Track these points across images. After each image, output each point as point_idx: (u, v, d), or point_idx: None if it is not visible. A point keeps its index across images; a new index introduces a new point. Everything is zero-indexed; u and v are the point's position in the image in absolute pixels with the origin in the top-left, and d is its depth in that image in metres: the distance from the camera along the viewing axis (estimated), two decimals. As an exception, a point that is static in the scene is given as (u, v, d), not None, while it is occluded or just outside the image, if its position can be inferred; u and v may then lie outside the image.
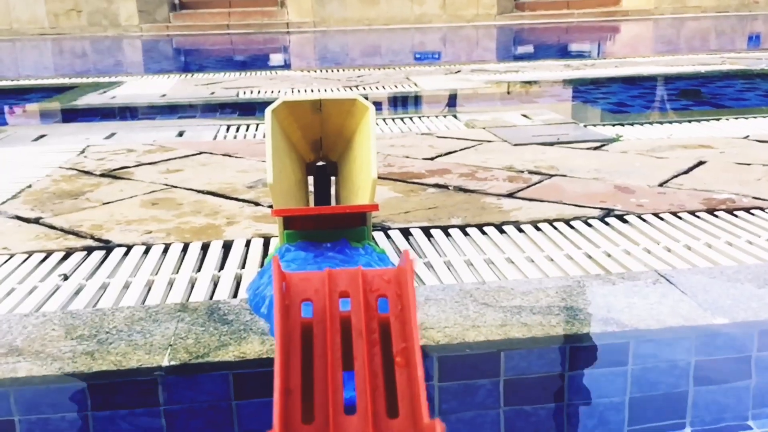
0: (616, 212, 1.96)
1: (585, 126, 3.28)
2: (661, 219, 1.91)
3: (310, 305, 0.70)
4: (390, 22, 13.62)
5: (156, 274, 1.62)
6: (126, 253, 1.75)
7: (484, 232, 1.84)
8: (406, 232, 1.85)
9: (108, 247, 1.79)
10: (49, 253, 1.75)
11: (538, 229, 1.85)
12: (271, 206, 2.06)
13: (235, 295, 1.50)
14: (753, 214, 1.93)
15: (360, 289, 0.69)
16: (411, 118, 3.68)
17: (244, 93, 4.89)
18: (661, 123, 3.37)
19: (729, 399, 1.26)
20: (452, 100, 4.75)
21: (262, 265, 1.65)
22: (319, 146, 1.88)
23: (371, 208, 1.53)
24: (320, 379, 0.61)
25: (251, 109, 4.48)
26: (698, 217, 1.92)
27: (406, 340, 0.64)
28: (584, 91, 5.11)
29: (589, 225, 1.88)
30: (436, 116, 3.74)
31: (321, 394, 0.61)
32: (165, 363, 1.15)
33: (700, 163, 2.47)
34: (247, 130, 3.47)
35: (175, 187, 2.34)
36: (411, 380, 0.61)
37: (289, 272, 0.68)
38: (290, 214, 1.56)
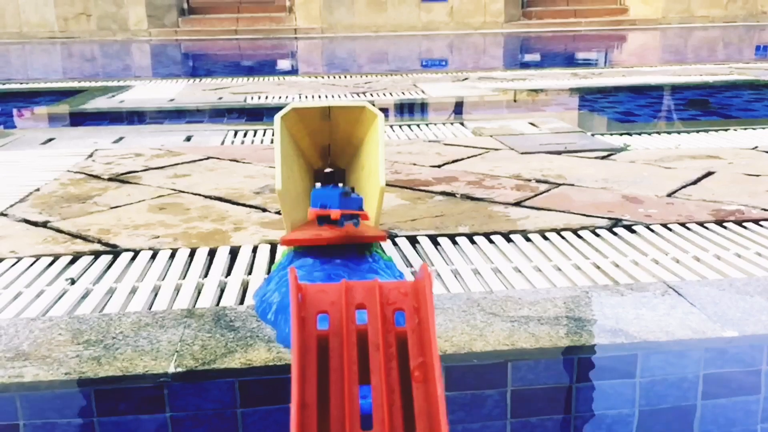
0: (625, 222, 1.95)
1: (593, 135, 3.27)
2: (670, 230, 1.90)
3: (327, 317, 0.69)
4: (397, 29, 13.65)
5: (163, 279, 1.62)
6: (133, 258, 1.75)
7: (491, 241, 1.83)
8: (413, 240, 1.85)
9: (115, 251, 1.79)
10: (56, 257, 1.76)
11: (545, 238, 1.85)
12: (278, 212, 2.06)
13: (241, 302, 1.50)
14: (762, 226, 1.92)
15: (377, 302, 0.69)
16: (418, 125, 3.68)
17: (252, 98, 4.90)
18: (669, 133, 3.36)
19: (738, 413, 1.25)
20: (459, 108, 4.75)
21: (269, 271, 1.65)
22: (328, 153, 1.88)
23: (379, 239, 1.54)
24: (336, 393, 0.61)
25: (259, 114, 4.49)
26: (707, 228, 1.91)
27: (424, 354, 0.63)
28: (591, 99, 5.10)
29: (597, 235, 1.87)
30: (444, 123, 3.74)
31: (337, 408, 0.60)
32: (171, 369, 1.15)
33: (709, 173, 2.46)
34: (254, 135, 3.48)
35: (183, 192, 2.34)
36: (429, 396, 0.60)
37: (305, 284, 0.68)
38: (299, 244, 1.56)
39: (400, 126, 3.68)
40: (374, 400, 0.61)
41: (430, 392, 0.61)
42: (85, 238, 1.89)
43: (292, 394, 0.58)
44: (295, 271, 0.68)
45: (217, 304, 1.48)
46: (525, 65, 8.33)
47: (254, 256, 1.76)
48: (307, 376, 0.60)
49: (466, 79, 5.90)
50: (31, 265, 1.71)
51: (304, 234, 1.57)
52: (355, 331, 0.68)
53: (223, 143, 3.29)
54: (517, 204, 2.14)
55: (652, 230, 1.90)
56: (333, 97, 4.86)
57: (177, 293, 1.54)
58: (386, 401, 0.61)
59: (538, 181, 2.40)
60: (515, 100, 4.98)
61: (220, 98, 4.96)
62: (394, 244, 1.82)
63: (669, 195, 2.22)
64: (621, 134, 3.30)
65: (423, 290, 0.65)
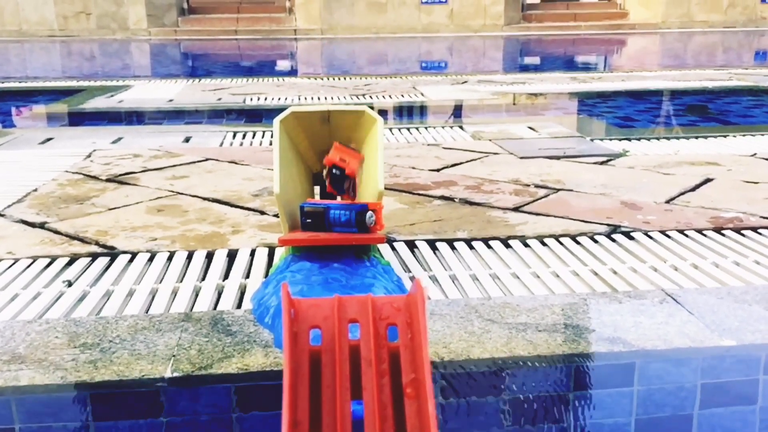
0: (623, 229, 1.95)
1: (592, 140, 3.27)
2: (668, 237, 1.90)
3: (319, 332, 0.69)
4: (397, 31, 13.65)
5: (160, 282, 1.61)
6: (131, 260, 1.75)
7: (489, 246, 1.83)
8: (411, 245, 1.84)
9: (113, 253, 1.78)
10: (53, 259, 1.75)
11: (544, 244, 1.85)
12: (276, 215, 2.05)
13: (239, 306, 1.49)
14: (761, 234, 1.92)
15: (369, 317, 0.68)
16: (417, 128, 3.68)
17: (251, 99, 4.90)
18: (668, 138, 3.36)
19: (735, 423, 1.24)
20: (458, 111, 4.75)
21: (266, 274, 1.64)
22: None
23: (378, 240, 1.54)
24: (329, 410, 0.60)
25: (258, 115, 4.48)
26: (705, 235, 1.91)
27: (417, 371, 0.63)
28: (591, 104, 5.11)
29: (596, 241, 1.87)
30: (443, 127, 3.74)
31: (329, 426, 0.60)
32: (168, 374, 1.15)
33: (708, 180, 2.47)
34: (253, 137, 3.47)
35: (181, 193, 2.34)
36: (421, 413, 0.60)
37: (298, 299, 0.67)
38: (297, 244, 1.56)
39: (399, 129, 3.68)
40: (366, 416, 0.61)
41: (422, 409, 0.60)
42: (82, 240, 1.88)
43: (283, 412, 0.58)
44: (287, 287, 0.67)
45: (215, 308, 1.48)
46: (524, 68, 8.34)
47: (252, 260, 1.75)
48: (299, 393, 0.60)
49: (465, 82, 5.90)
50: (28, 266, 1.71)
51: (302, 235, 1.57)
52: (347, 347, 0.68)
53: (221, 145, 3.29)
54: (516, 209, 2.13)
55: (650, 237, 1.89)
56: (332, 99, 4.86)
57: (174, 296, 1.54)
58: (378, 418, 0.60)
59: (536, 186, 2.40)
60: (515, 104, 4.98)
61: (220, 99, 4.96)
62: (393, 248, 1.82)
63: (668, 201, 2.22)
64: (620, 139, 3.30)
65: (416, 305, 0.65)
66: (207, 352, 1.22)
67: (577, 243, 1.85)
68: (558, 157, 2.86)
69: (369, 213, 1.55)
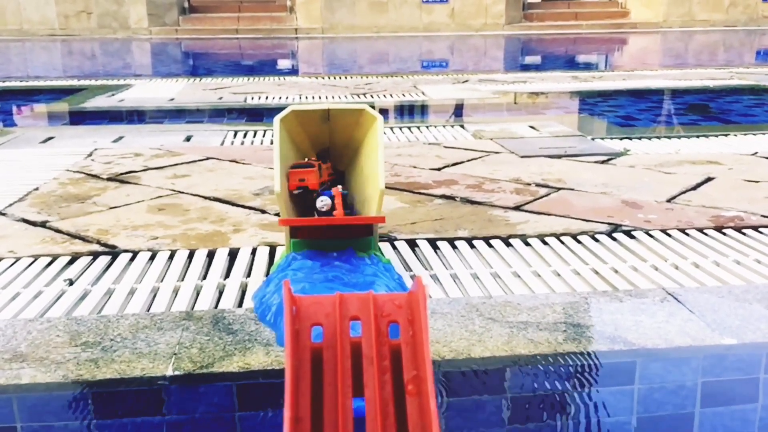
0: (624, 228, 1.95)
1: (593, 139, 3.27)
2: (669, 236, 1.90)
3: (321, 329, 0.69)
4: (398, 30, 13.65)
5: (161, 281, 1.61)
6: (132, 259, 1.75)
7: (490, 245, 1.83)
8: (412, 244, 1.84)
9: (114, 252, 1.79)
10: (54, 258, 1.75)
11: (545, 243, 1.85)
12: (277, 214, 2.06)
13: (240, 304, 1.49)
14: (761, 233, 1.92)
15: (371, 314, 0.68)
16: (418, 127, 3.68)
17: (252, 98, 4.90)
18: (669, 138, 3.36)
19: (736, 421, 1.24)
20: (459, 110, 4.75)
21: (267, 273, 1.64)
22: (327, 155, 1.87)
23: (378, 220, 1.53)
24: (330, 406, 0.61)
25: (259, 114, 4.49)
26: (706, 234, 1.91)
27: (418, 368, 0.63)
28: (592, 103, 5.10)
29: (597, 240, 1.87)
30: (444, 126, 3.74)
31: (331, 422, 0.60)
32: (169, 372, 1.15)
33: (709, 179, 2.46)
34: (254, 136, 3.47)
35: (182, 192, 2.34)
36: (423, 410, 0.60)
37: (299, 296, 0.67)
38: (297, 224, 1.56)
39: (400, 128, 3.68)
40: (368, 413, 0.61)
41: (423, 406, 0.60)
42: (83, 239, 1.88)
43: (285, 408, 0.58)
44: (289, 284, 0.68)
45: (216, 307, 1.48)
46: (525, 68, 8.33)
47: (253, 258, 1.75)
48: (301, 389, 0.60)
49: (466, 81, 5.90)
50: (30, 265, 1.71)
51: (303, 219, 1.58)
52: (349, 344, 0.68)
53: (222, 144, 3.29)
54: (517, 208, 2.13)
55: (651, 236, 1.89)
56: (333, 98, 4.86)
57: (175, 295, 1.54)
58: (380, 415, 0.60)
59: (537, 185, 2.40)
60: (515, 103, 4.98)
61: (221, 98, 4.96)
62: (394, 247, 1.82)
63: (669, 200, 2.22)
64: (621, 138, 3.30)
65: (417, 303, 0.65)
66: (208, 351, 1.22)
67: (578, 242, 1.85)
68: (559, 156, 2.86)
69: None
